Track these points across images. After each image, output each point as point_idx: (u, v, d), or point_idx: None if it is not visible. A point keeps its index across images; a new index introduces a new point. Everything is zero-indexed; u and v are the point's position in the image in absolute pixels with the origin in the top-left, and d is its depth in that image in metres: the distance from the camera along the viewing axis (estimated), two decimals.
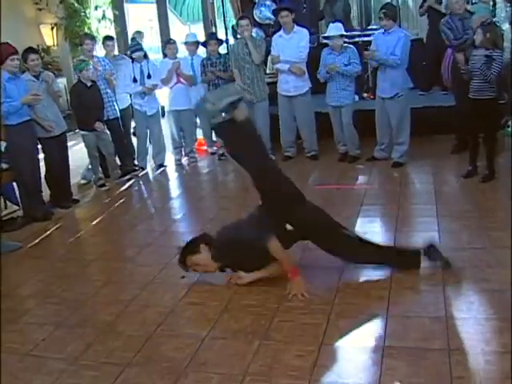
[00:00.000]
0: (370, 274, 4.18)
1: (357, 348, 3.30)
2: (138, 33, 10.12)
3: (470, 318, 3.49)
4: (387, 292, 3.88)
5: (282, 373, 3.12)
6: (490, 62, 5.75)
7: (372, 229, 5.15)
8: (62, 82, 10.78)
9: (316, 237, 4.19)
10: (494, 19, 7.41)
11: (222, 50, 8.73)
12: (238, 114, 4.11)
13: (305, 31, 7.54)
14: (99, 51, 8.78)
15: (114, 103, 7.65)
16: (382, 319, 3.55)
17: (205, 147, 8.90)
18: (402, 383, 2.91)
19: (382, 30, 7.01)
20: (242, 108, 4.19)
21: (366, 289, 4.00)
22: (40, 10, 11.88)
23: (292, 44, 7.43)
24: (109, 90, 7.53)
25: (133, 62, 7.83)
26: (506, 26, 8.43)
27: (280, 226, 4.11)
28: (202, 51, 8.58)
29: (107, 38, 8.24)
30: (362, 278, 4.15)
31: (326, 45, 7.47)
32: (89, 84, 7.05)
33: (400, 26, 8.58)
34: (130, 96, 8.03)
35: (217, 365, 3.25)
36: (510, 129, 7.84)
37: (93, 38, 7.75)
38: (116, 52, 9.11)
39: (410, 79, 6.99)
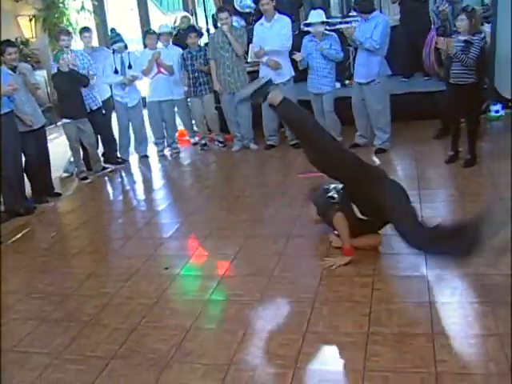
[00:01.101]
0: (354, 261, 4.18)
1: (341, 335, 3.30)
2: (185, 17, 9.88)
3: (454, 302, 3.51)
4: (371, 279, 3.89)
5: (267, 362, 3.13)
6: (468, 47, 5.76)
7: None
8: (41, 75, 10.66)
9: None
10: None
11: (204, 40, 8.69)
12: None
13: (286, 19, 7.49)
14: (78, 43, 8.67)
15: (96, 94, 7.58)
16: (366, 306, 3.55)
17: (187, 137, 8.85)
18: (387, 368, 2.93)
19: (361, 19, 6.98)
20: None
21: (350, 276, 4.00)
22: (17, 1, 11.70)
23: (273, 32, 7.39)
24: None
25: (114, 53, 7.76)
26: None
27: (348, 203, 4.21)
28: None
29: (84, 29, 8.08)
30: (346, 266, 4.15)
31: (307, 32, 7.45)
32: (66, 71, 6.97)
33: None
34: (111, 87, 7.96)
35: (202, 355, 3.24)
36: (492, 113, 7.90)
37: (68, 33, 7.61)
38: (96, 44, 9.01)
39: (388, 67, 6.94)
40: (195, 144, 8.60)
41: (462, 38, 5.83)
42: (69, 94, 7.01)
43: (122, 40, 7.76)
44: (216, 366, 3.12)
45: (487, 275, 3.74)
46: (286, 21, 7.46)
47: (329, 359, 3.11)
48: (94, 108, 7.51)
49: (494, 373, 2.81)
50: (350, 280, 3.94)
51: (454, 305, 3.49)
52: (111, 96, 8.04)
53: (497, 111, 7.94)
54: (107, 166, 7.77)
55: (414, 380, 2.81)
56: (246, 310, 3.68)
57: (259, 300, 3.79)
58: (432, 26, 7.70)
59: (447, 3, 7.11)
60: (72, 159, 7.51)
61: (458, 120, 6.25)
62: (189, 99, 8.26)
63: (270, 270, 4.20)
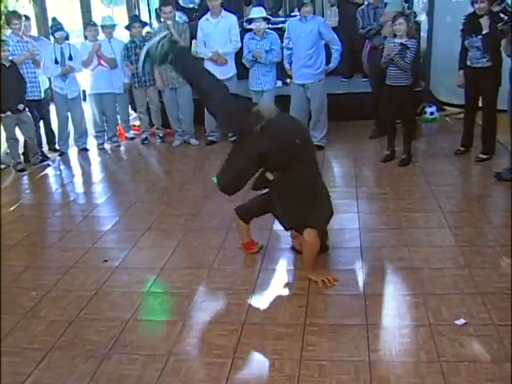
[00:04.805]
0: (291, 255, 4.28)
1: (279, 326, 3.38)
2: None
3: (387, 294, 3.65)
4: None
5: (205, 352, 3.18)
6: (404, 50, 5.92)
7: None
8: None
9: None
10: (408, 10, 7.69)
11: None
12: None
13: (233, 17, 7.55)
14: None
15: (40, 84, 7.44)
16: (303, 298, 3.64)
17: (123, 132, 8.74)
18: (323, 357, 3.02)
19: (297, 17, 7.12)
20: None
21: (288, 269, 4.11)
22: None
23: (219, 29, 7.41)
24: (35, 70, 7.33)
25: (54, 43, 7.62)
26: (423, 17, 8.79)
27: None
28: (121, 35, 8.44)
29: (14, 14, 7.63)
30: (284, 259, 4.24)
31: (249, 30, 7.51)
32: (7, 64, 6.82)
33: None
34: (49, 79, 7.80)
35: (141, 346, 3.26)
36: (427, 115, 8.17)
37: (20, 17, 7.40)
38: (35, 33, 8.80)
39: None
40: (132, 139, 8.52)
41: (398, 41, 5.99)
42: (8, 87, 6.78)
43: (63, 29, 7.62)
44: (155, 357, 3.14)
45: (419, 269, 3.90)
46: (233, 19, 7.52)
47: (266, 349, 3.17)
48: (37, 98, 7.37)
49: (424, 361, 2.94)
50: (288, 273, 4.05)
51: (388, 297, 3.62)
52: (49, 87, 7.90)
53: (432, 113, 8.23)
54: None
55: (348, 368, 2.92)
56: (185, 301, 3.71)
57: (198, 292, 3.83)
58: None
59: (370, 7, 7.34)
60: (8, 151, 7.33)
61: (394, 120, 6.43)
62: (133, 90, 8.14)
63: (210, 262, 4.25)
